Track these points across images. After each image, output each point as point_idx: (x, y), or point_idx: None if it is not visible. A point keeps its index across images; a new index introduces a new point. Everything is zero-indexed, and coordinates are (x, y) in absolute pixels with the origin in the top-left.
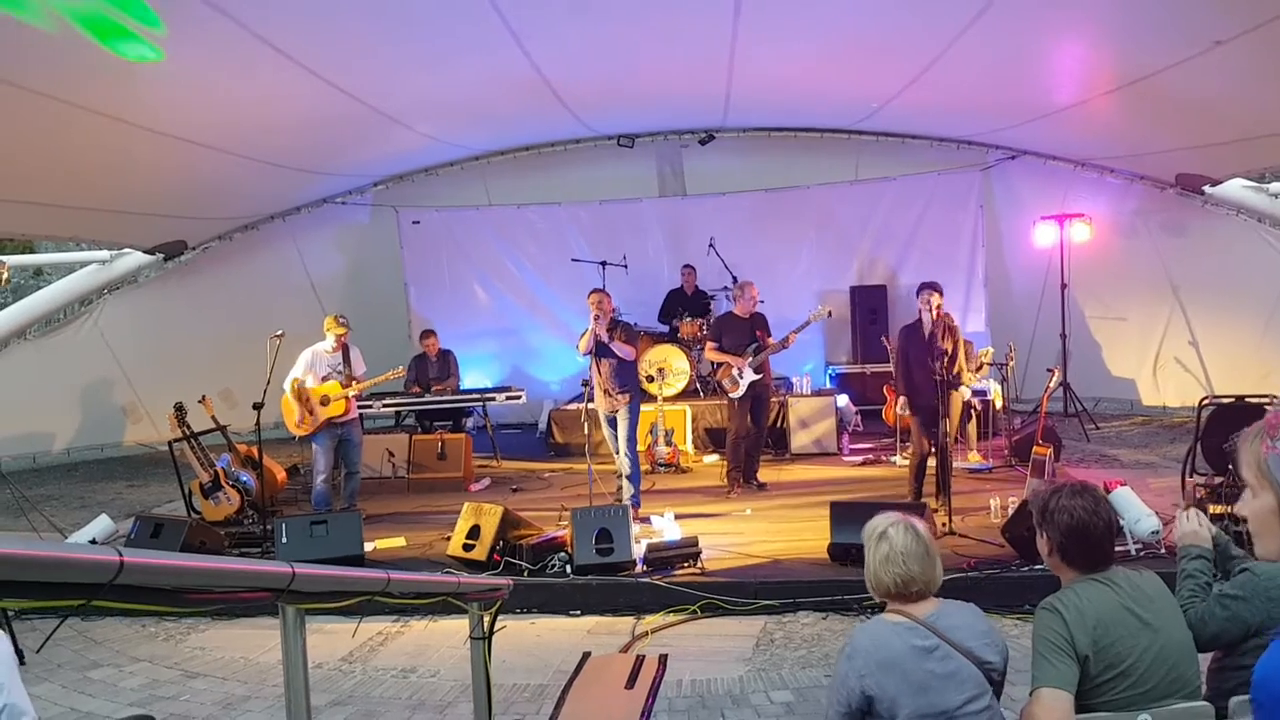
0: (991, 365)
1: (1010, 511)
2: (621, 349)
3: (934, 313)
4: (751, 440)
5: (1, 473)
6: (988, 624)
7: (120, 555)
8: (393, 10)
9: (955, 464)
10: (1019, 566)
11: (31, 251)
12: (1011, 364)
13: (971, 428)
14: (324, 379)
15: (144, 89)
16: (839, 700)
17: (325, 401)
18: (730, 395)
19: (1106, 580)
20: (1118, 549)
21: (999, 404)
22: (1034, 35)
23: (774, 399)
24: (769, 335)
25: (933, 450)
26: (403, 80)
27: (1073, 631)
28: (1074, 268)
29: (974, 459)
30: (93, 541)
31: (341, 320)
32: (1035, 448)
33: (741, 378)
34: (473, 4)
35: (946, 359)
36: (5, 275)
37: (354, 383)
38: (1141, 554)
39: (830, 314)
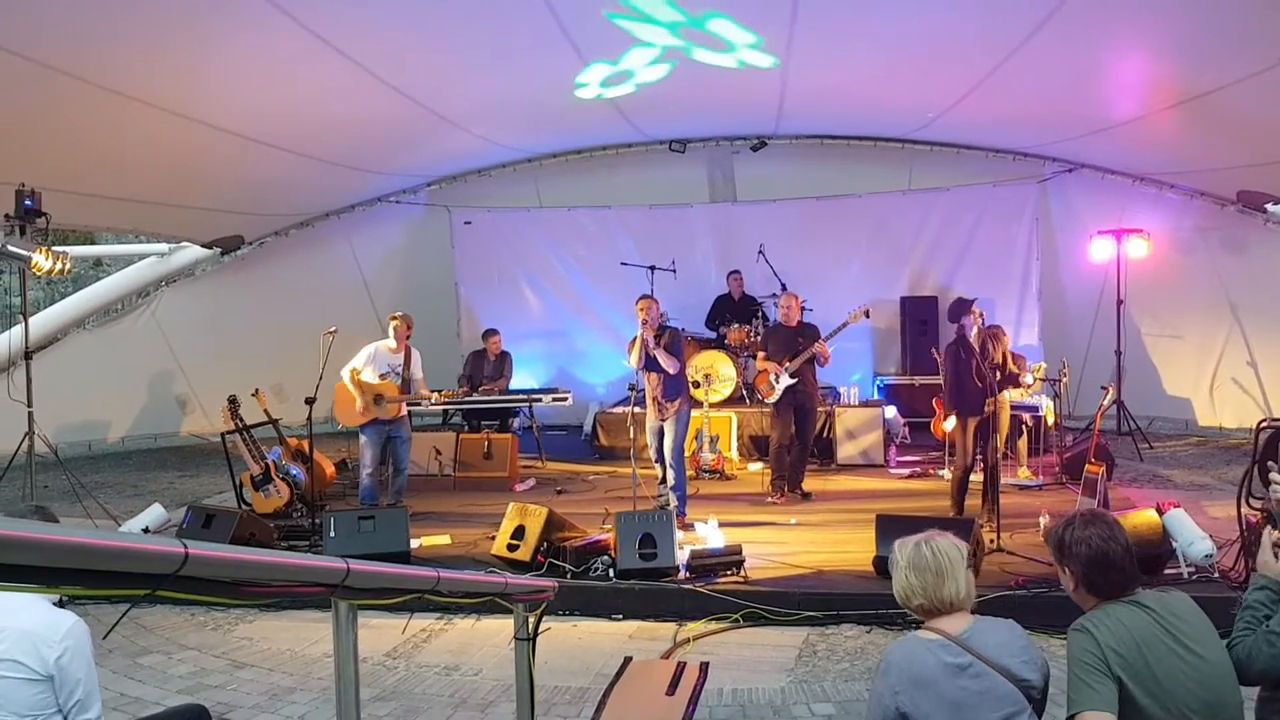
0: (1044, 380)
1: None
2: (665, 360)
3: (977, 327)
4: (797, 450)
5: (59, 459)
6: (1026, 641)
7: (185, 547)
8: (450, 12)
9: (1005, 480)
10: None
11: (92, 243)
12: (1064, 380)
13: (1022, 443)
14: (381, 376)
15: (206, 86)
16: (875, 718)
17: (379, 400)
18: (766, 400)
19: (1134, 603)
20: (1169, 571)
21: (1051, 420)
22: (1095, 49)
23: (821, 409)
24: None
25: (980, 463)
26: (458, 82)
27: (1105, 652)
28: (1130, 283)
29: (1024, 475)
30: (146, 530)
31: (399, 316)
32: (1087, 466)
33: (777, 383)
34: (528, 7)
35: (996, 366)
36: (67, 266)
37: (410, 389)
38: (1194, 577)
39: (868, 314)
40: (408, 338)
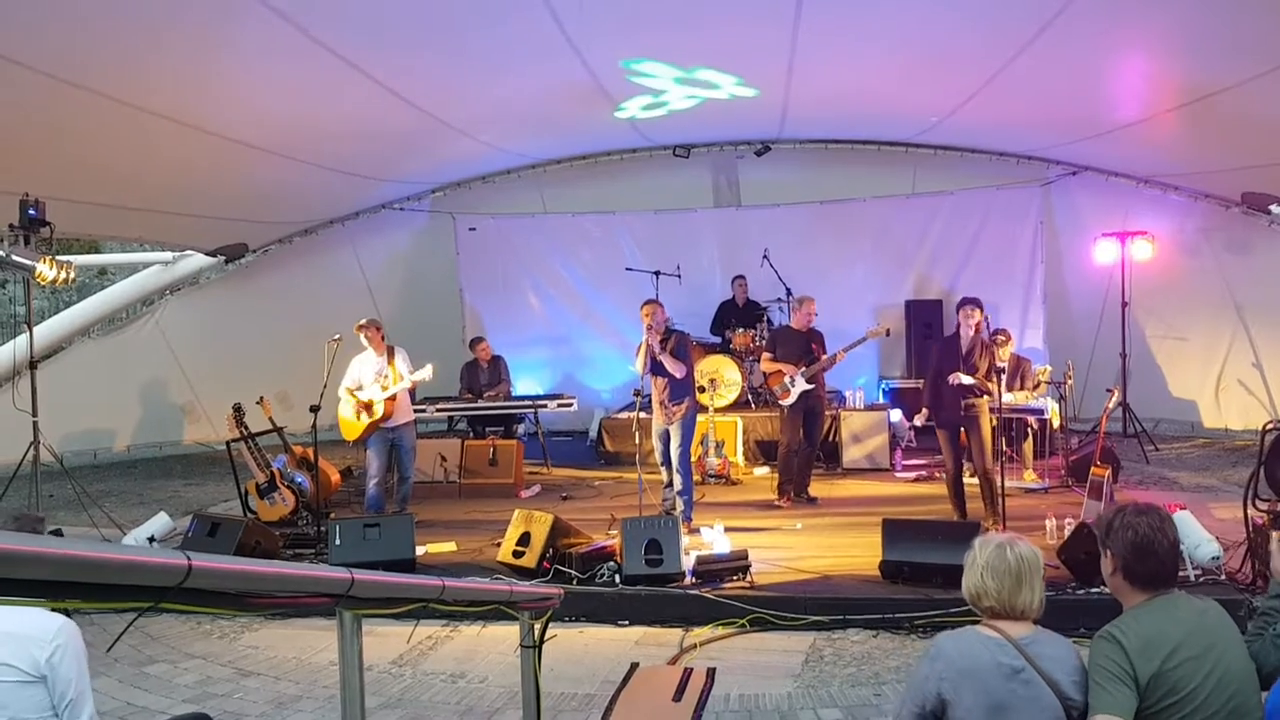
0: (1049, 383)
1: (1067, 533)
2: (672, 365)
3: (973, 329)
4: (804, 454)
5: (64, 468)
6: (1080, 662)
7: (189, 559)
8: (455, 20)
9: (1010, 483)
10: (1075, 589)
11: (97, 251)
12: (1069, 382)
13: (1028, 447)
14: (372, 383)
15: (211, 94)
16: (913, 700)
17: (368, 408)
18: (781, 403)
19: (1167, 604)
20: (1178, 577)
21: (1056, 423)
22: (1098, 51)
23: (827, 412)
24: (824, 350)
25: (969, 466)
26: (463, 89)
27: (1133, 660)
28: (1135, 286)
29: (1029, 478)
30: (151, 539)
31: (362, 325)
32: (1093, 468)
33: (793, 386)
34: (533, 14)
35: (978, 375)
36: (71, 275)
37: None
38: (1201, 580)
39: (889, 333)
40: (383, 338)
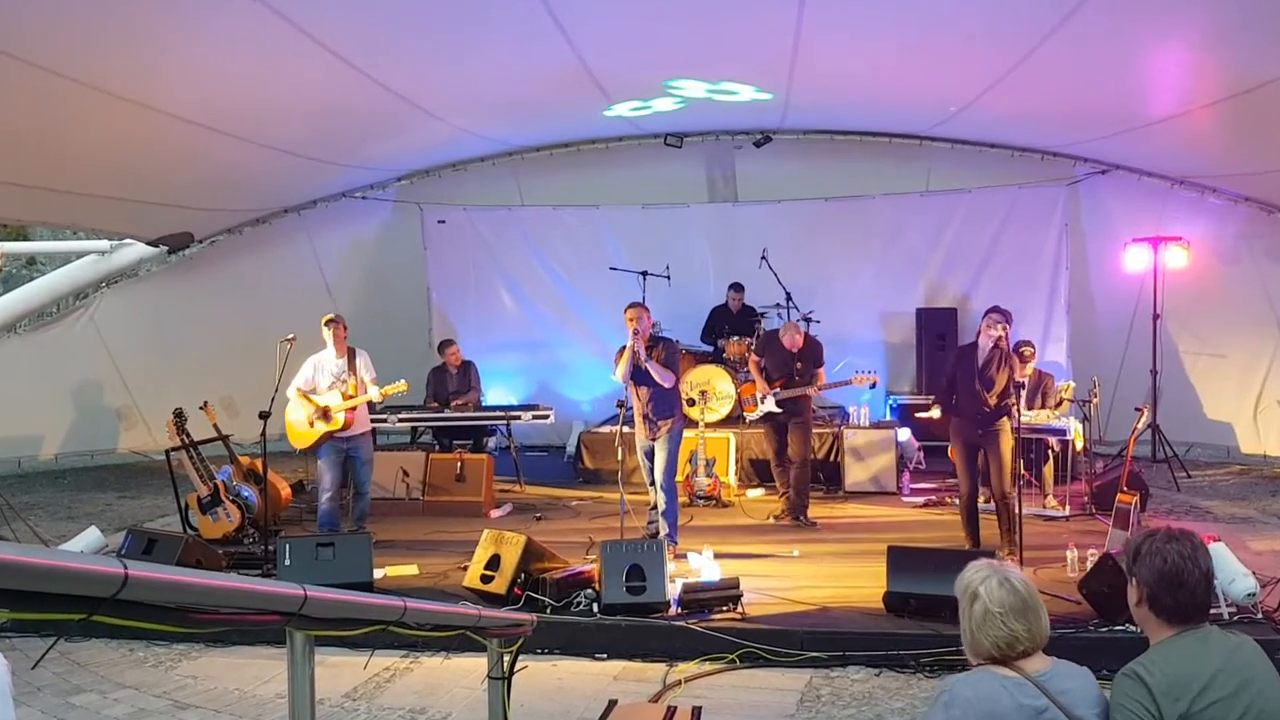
0: (1072, 402)
1: (1089, 565)
2: (659, 372)
3: (993, 342)
4: (798, 470)
5: None
6: (1100, 692)
7: (125, 568)
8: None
9: (1028, 509)
10: (1096, 626)
11: (25, 239)
12: (1095, 401)
13: (1048, 470)
14: (329, 388)
15: (155, 68)
16: None
17: (325, 415)
18: (745, 415)
19: (1197, 640)
20: (1209, 611)
21: (1080, 445)
22: (1131, 38)
23: (827, 430)
24: (810, 368)
25: (986, 490)
26: (434, 67)
27: (1158, 700)
28: (1168, 296)
29: (1050, 504)
30: None
31: (333, 319)
32: (1119, 495)
33: (762, 404)
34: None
35: (994, 391)
36: None
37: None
38: (1236, 618)
39: (874, 385)
40: (346, 338)
